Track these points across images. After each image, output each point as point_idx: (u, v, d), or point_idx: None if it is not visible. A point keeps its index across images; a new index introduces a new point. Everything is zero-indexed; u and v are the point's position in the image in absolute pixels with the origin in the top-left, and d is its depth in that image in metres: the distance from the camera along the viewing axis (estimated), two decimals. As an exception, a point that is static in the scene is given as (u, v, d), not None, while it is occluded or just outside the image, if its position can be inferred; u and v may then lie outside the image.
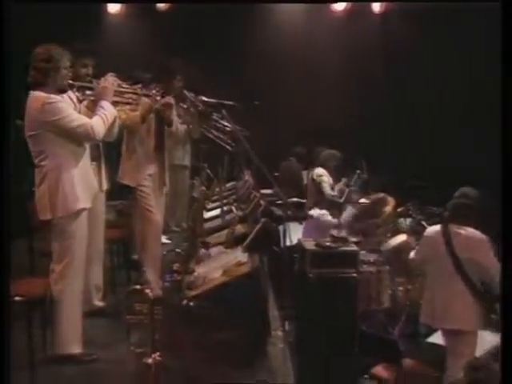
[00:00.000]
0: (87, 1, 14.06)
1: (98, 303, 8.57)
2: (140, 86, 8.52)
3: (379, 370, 8.33)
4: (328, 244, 8.70)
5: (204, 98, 9.36)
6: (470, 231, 8.19)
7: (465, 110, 14.39)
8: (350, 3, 16.36)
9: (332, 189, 11.83)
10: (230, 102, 9.34)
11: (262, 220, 8.45)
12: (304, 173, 13.95)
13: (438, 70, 14.87)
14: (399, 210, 11.02)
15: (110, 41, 15.20)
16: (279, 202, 10.36)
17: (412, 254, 9.07)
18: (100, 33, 15.07)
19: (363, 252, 9.80)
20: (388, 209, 11.00)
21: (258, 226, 8.20)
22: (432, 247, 8.50)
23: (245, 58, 15.09)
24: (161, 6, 15.78)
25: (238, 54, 15.03)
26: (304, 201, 12.05)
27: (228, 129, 9.52)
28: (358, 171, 12.03)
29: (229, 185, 11.32)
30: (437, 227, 8.54)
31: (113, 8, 15.90)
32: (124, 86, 8.13)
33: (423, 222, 10.48)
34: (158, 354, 7.17)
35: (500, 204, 5.82)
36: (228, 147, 9.80)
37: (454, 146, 14.21)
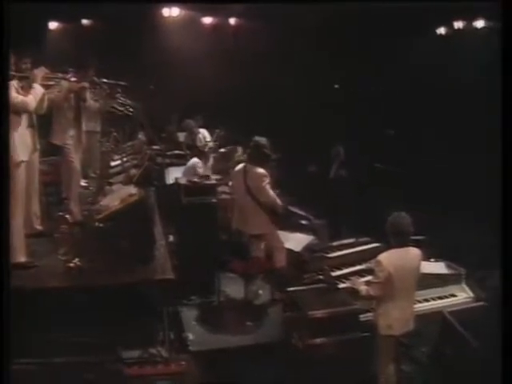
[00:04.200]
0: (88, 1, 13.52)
1: (38, 227, 8.52)
2: (63, 74, 8.80)
3: (235, 264, 8.43)
4: (195, 180, 8.79)
5: (105, 80, 9.35)
6: (256, 169, 8.36)
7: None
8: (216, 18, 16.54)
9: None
10: (123, 83, 9.40)
11: (146, 164, 8.55)
12: (182, 134, 13.91)
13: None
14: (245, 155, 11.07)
15: (48, 46, 14.92)
16: (165, 153, 10.55)
17: (229, 184, 9.41)
18: (40, 40, 14.75)
19: (222, 185, 9.89)
20: (237, 155, 11.10)
21: (142, 168, 8.35)
22: (236, 179, 8.71)
23: (144, 55, 14.92)
24: (86, 22, 15.59)
25: (139, 53, 14.85)
26: (182, 152, 12.08)
27: (127, 104, 9.61)
28: (217, 130, 12.14)
29: (129, 143, 11.41)
30: (240, 166, 8.71)
31: (52, 25, 15.59)
32: (51, 74, 8.48)
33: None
34: (77, 259, 7.27)
35: (500, 204, 5.19)
36: (127, 116, 9.90)
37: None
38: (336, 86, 15.40)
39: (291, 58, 14.52)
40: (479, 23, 13.33)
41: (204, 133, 12.55)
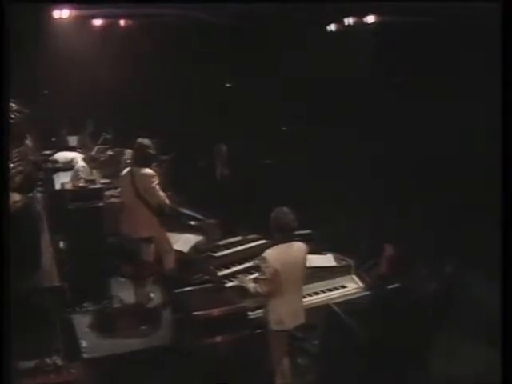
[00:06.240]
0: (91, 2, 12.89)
1: None
2: None
3: (125, 268, 8.33)
4: (81, 184, 8.62)
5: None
6: (143, 170, 8.25)
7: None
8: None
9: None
10: None
11: (27, 169, 8.33)
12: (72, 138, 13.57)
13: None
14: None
15: None
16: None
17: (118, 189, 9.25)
18: None
19: (112, 189, 9.71)
20: (126, 158, 10.88)
21: (23, 175, 8.12)
22: (123, 182, 8.58)
23: (33, 58, 14.44)
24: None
25: (28, 56, 14.36)
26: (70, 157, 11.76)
27: (13, 109, 9.31)
28: (104, 133, 11.91)
29: (17, 150, 11.09)
30: (127, 169, 8.59)
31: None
32: None
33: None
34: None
35: (500, 205, 4.83)
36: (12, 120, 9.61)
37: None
38: (228, 85, 15.42)
39: (181, 58, 14.35)
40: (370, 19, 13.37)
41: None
